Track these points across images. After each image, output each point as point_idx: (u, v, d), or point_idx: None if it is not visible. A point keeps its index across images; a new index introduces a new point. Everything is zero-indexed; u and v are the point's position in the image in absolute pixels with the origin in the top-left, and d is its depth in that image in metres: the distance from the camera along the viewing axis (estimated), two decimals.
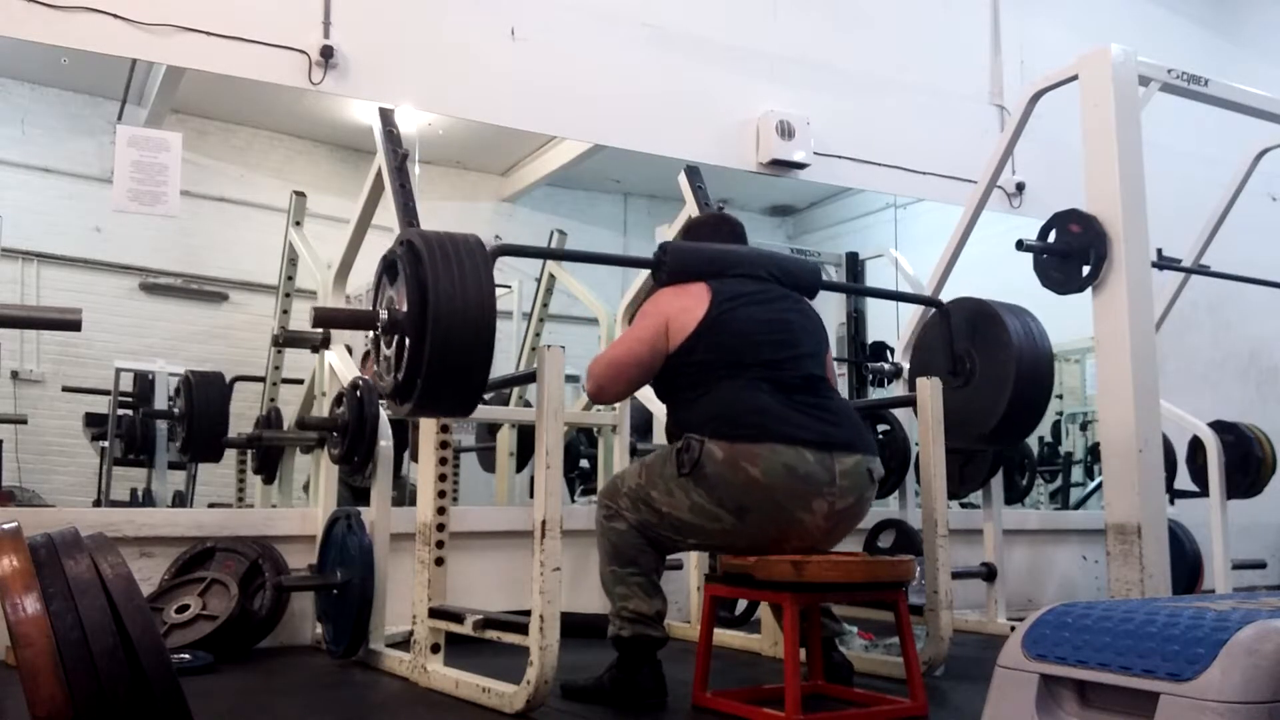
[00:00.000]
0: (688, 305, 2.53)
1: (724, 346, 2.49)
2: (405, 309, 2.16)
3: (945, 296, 4.17)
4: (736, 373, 2.47)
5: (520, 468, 4.92)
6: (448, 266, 2.14)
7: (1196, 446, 4.47)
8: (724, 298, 2.54)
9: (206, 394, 4.21)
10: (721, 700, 2.44)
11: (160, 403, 4.84)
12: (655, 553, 2.56)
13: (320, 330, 3.61)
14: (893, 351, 4.94)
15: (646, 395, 3.83)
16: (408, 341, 2.16)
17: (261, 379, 4.76)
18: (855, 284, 3.50)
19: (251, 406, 4.85)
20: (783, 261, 2.76)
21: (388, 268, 2.28)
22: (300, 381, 4.38)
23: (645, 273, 4.20)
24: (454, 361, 2.14)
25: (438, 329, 2.11)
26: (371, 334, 2.36)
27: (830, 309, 5.98)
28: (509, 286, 5.98)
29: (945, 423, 2.93)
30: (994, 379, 2.83)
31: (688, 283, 2.58)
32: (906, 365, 4.17)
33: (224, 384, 4.32)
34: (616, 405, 4.05)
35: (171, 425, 4.46)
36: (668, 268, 2.61)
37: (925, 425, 2.92)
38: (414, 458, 4.42)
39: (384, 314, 2.25)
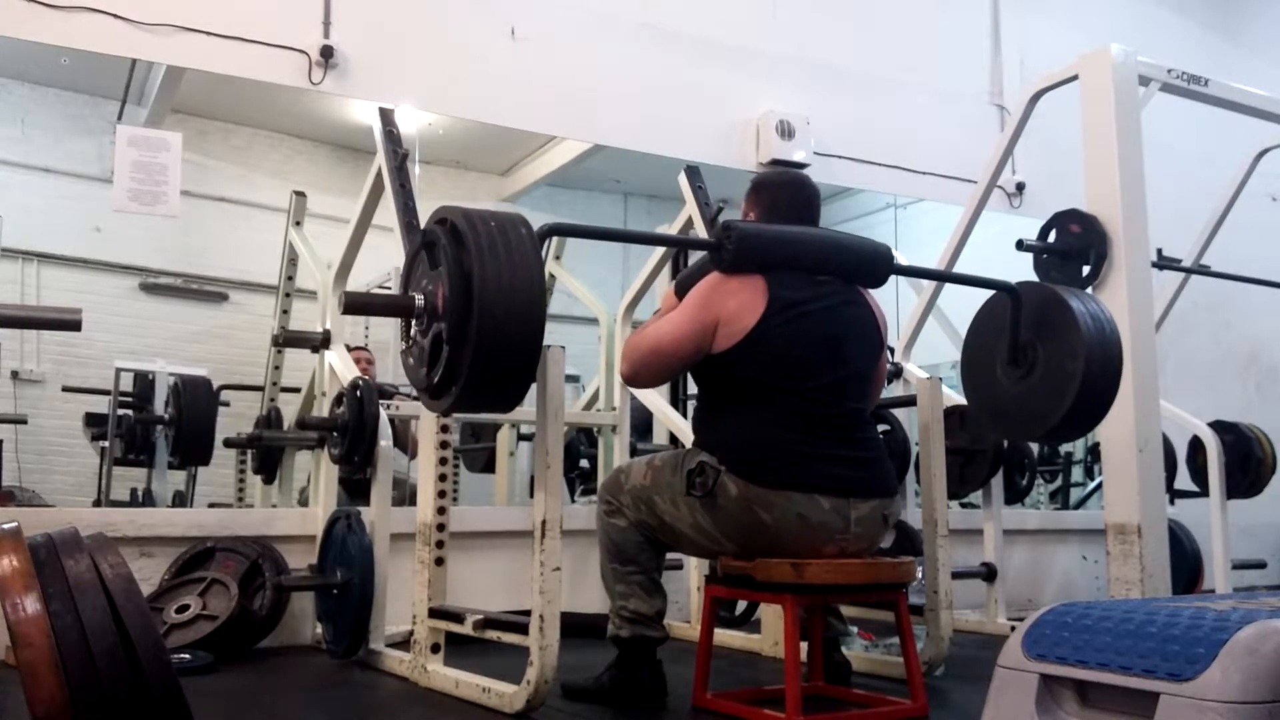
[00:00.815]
0: (742, 309, 2.39)
1: (767, 367, 2.38)
2: (446, 296, 1.96)
3: (946, 296, 4.19)
4: (773, 400, 2.38)
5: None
6: (493, 249, 1.93)
7: (1196, 446, 4.47)
8: (780, 305, 2.39)
9: (194, 399, 4.30)
10: (721, 701, 2.44)
11: (160, 402, 4.84)
12: (655, 550, 2.56)
13: (320, 330, 3.62)
14: (893, 351, 4.94)
15: (646, 394, 3.84)
16: (447, 332, 1.97)
17: (252, 388, 4.79)
18: (929, 269, 3.30)
19: (252, 406, 4.85)
20: (851, 252, 2.57)
21: (426, 249, 2.08)
22: (298, 390, 4.40)
23: (646, 272, 4.22)
24: (501, 355, 1.94)
25: (484, 319, 1.90)
26: (401, 323, 2.19)
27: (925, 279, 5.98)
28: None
29: (999, 416, 2.81)
30: (1060, 370, 2.63)
31: (747, 274, 2.42)
32: (908, 365, 4.17)
33: (210, 389, 4.41)
34: (616, 405, 4.05)
35: (164, 430, 4.51)
36: (730, 255, 2.40)
37: (925, 425, 2.92)
38: (411, 456, 4.44)
39: (420, 299, 2.07)
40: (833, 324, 2.45)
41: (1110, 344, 2.61)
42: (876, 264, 2.59)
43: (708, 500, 2.35)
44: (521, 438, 5.02)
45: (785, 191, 2.70)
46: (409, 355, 2.16)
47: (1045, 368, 2.65)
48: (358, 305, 2.34)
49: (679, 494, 2.42)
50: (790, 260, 2.46)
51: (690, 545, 2.52)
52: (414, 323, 2.11)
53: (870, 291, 2.61)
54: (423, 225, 2.14)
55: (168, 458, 4.54)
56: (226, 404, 4.75)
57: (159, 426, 4.55)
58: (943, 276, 3.26)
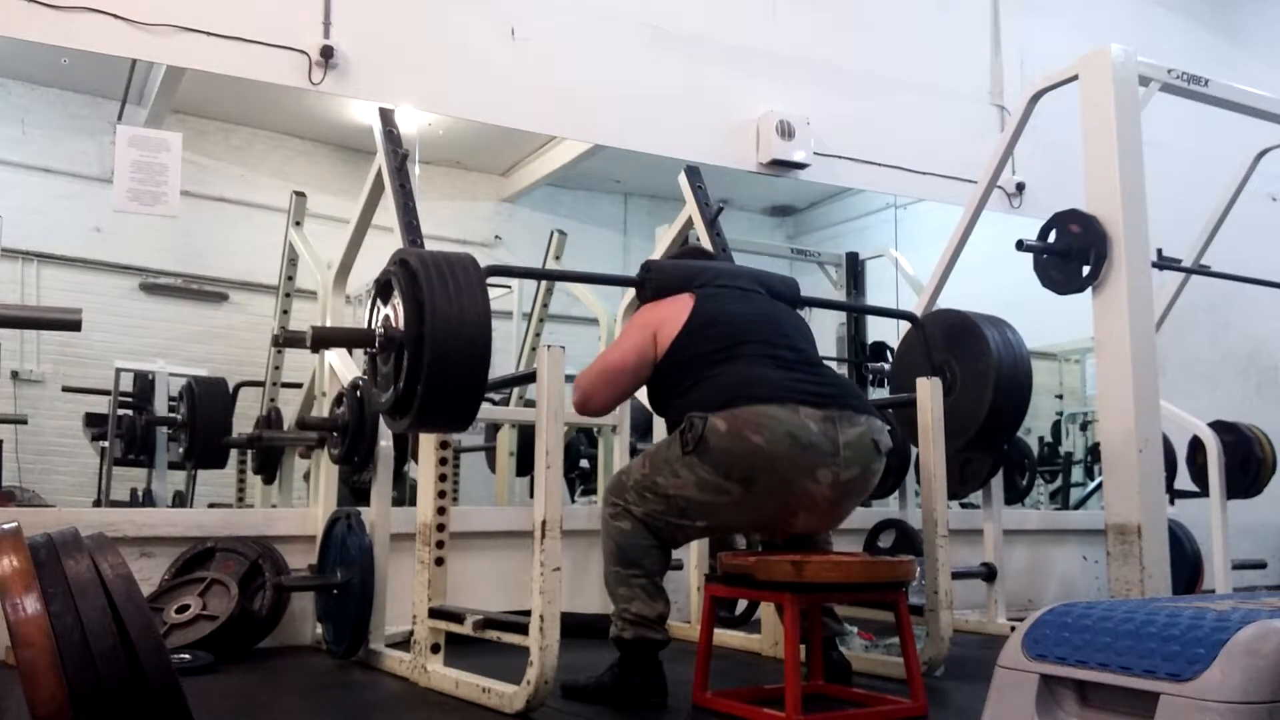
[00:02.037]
0: (674, 312, 2.57)
1: (716, 337, 2.52)
2: (402, 327, 2.19)
3: (946, 296, 4.19)
4: (733, 354, 2.49)
5: (521, 471, 4.92)
6: (443, 285, 2.17)
7: (1196, 446, 4.47)
8: (709, 300, 2.59)
9: (210, 401, 4.22)
10: (721, 700, 2.44)
11: (160, 403, 4.84)
12: (660, 553, 2.56)
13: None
14: (893, 351, 4.94)
15: (645, 393, 3.84)
16: (405, 359, 2.19)
17: (256, 384, 4.74)
18: (834, 301, 3.55)
19: (252, 407, 4.85)
20: (764, 276, 2.80)
21: (383, 287, 2.31)
22: (299, 385, 4.38)
23: None
24: (451, 378, 2.18)
25: (435, 347, 2.14)
26: (366, 352, 2.39)
27: (830, 310, 5.99)
28: (509, 286, 5.98)
29: None
30: (974, 387, 2.91)
31: (672, 295, 2.63)
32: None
33: (227, 390, 4.32)
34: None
35: (175, 431, 4.44)
36: (653, 284, 2.66)
37: (925, 425, 2.92)
38: (413, 457, 4.43)
39: (380, 332, 2.29)
40: (765, 309, 2.65)
41: (1019, 361, 2.87)
42: (788, 285, 2.84)
43: (702, 448, 2.38)
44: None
45: (690, 251, 3.02)
46: (372, 382, 2.36)
47: (962, 388, 2.91)
48: (324, 339, 2.57)
49: (677, 461, 2.44)
50: (707, 280, 2.67)
51: (700, 511, 2.48)
52: (376, 353, 2.33)
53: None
54: (387, 267, 2.35)
55: (180, 460, 4.45)
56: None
57: (167, 429, 4.47)
58: (843, 306, 3.44)
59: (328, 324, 3.61)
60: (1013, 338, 2.90)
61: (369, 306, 2.38)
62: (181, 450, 4.41)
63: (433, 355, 2.14)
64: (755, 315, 2.60)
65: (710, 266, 2.76)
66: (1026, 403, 2.89)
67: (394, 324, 2.24)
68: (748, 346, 2.51)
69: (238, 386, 4.48)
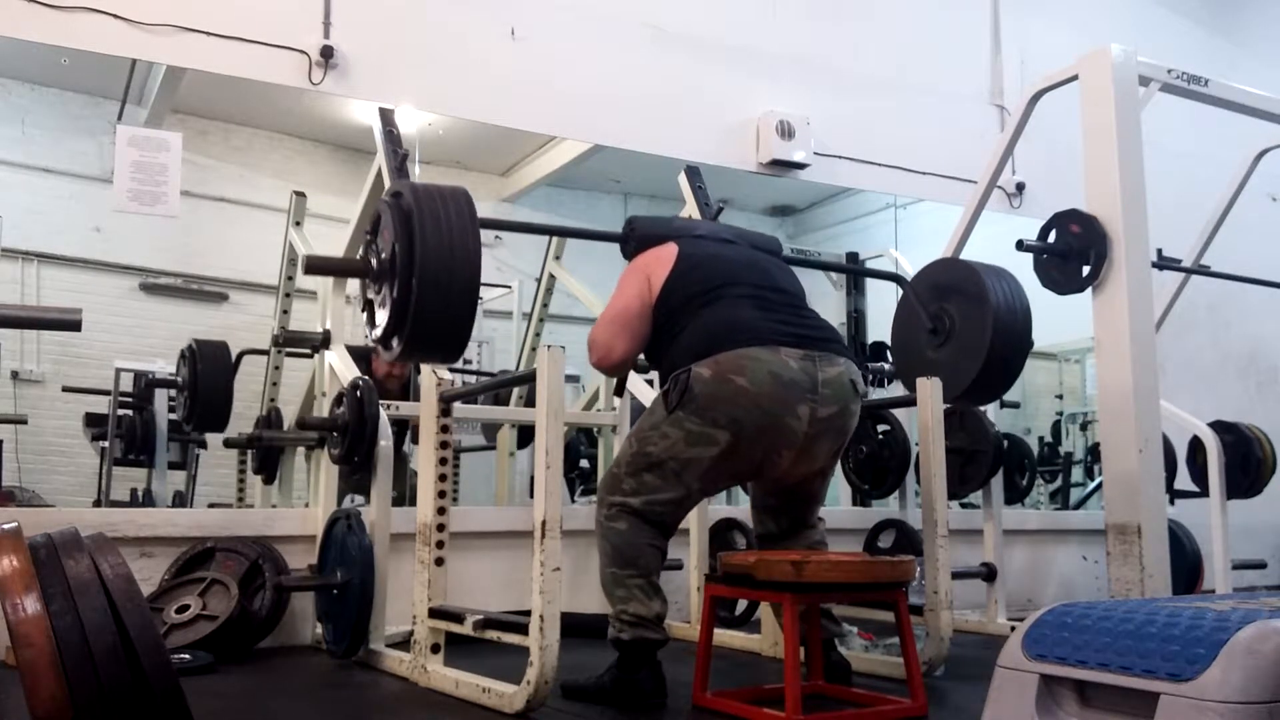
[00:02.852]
0: (662, 258, 2.64)
1: (702, 278, 2.58)
2: (394, 258, 2.21)
3: None
4: (717, 296, 2.55)
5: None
6: (435, 217, 2.19)
7: (1196, 446, 4.47)
8: (692, 246, 2.67)
9: (211, 363, 4.18)
10: (721, 700, 2.44)
11: (160, 403, 4.84)
12: (657, 553, 2.57)
13: (320, 330, 3.62)
14: (893, 352, 4.94)
15: (645, 393, 3.84)
16: (395, 289, 2.21)
17: (260, 352, 4.72)
18: (819, 261, 3.53)
19: (252, 407, 4.85)
20: (747, 232, 2.90)
21: (378, 218, 2.33)
22: (306, 352, 4.25)
23: None
24: (440, 309, 2.19)
25: (425, 277, 2.16)
26: (360, 283, 2.41)
27: (830, 309, 5.98)
28: (509, 286, 5.99)
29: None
30: (972, 335, 2.87)
31: (656, 245, 2.69)
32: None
33: (229, 354, 4.27)
34: (616, 404, 4.04)
35: (176, 395, 4.38)
36: (636, 238, 2.74)
37: (925, 425, 2.92)
38: (413, 439, 4.42)
39: (373, 262, 2.30)
40: (746, 255, 2.72)
41: (1017, 310, 2.82)
42: (769, 241, 2.90)
43: (687, 400, 2.44)
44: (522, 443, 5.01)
45: (671, 217, 3.08)
46: (365, 312, 2.38)
47: (959, 338, 2.89)
48: (318, 267, 2.56)
49: (663, 423, 2.49)
50: (688, 231, 2.78)
51: (693, 468, 2.49)
52: (369, 283, 2.34)
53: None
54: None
55: (181, 421, 4.37)
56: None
57: (167, 394, 4.42)
58: (828, 266, 3.39)
59: (327, 325, 3.60)
60: (1012, 286, 2.86)
61: (365, 235, 2.39)
62: (183, 415, 4.34)
63: (422, 285, 2.15)
64: (739, 259, 2.68)
65: (691, 221, 2.90)
66: (1025, 352, 2.85)
67: (387, 254, 2.25)
68: (732, 288, 2.57)
69: (240, 354, 4.43)
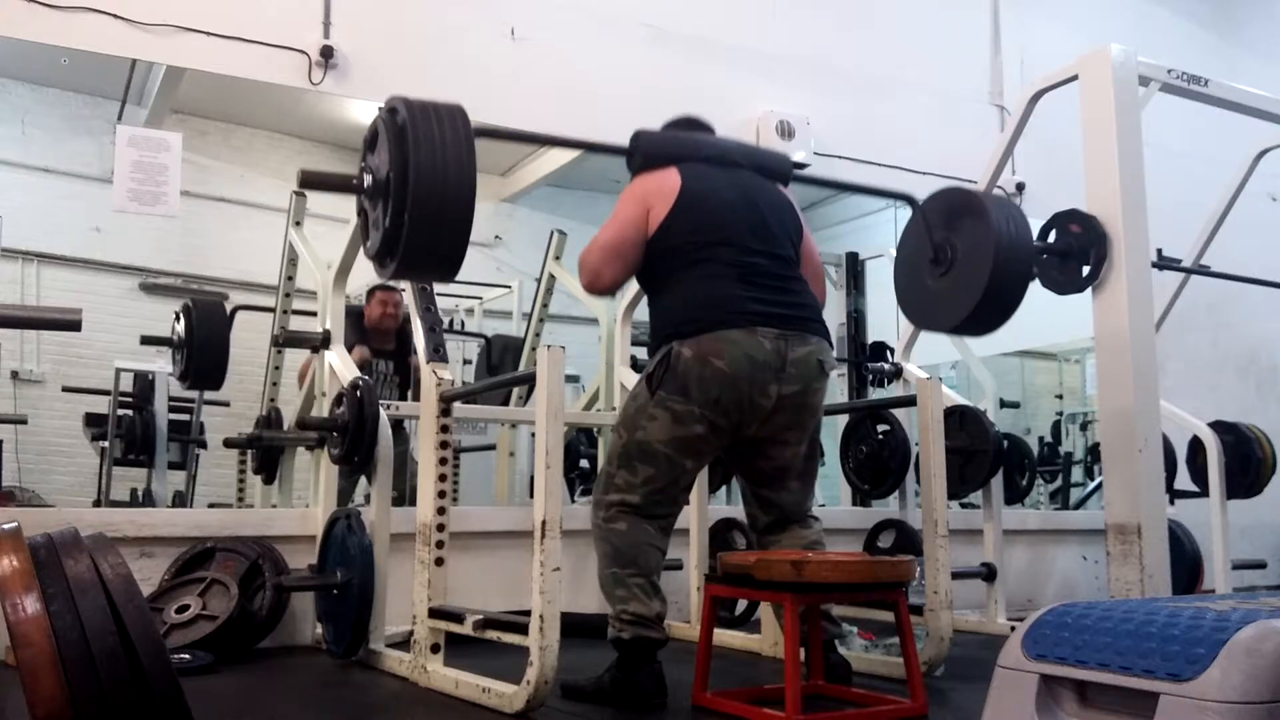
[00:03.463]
0: (663, 190, 2.64)
1: (696, 229, 2.61)
2: (389, 175, 2.19)
3: None
4: (706, 257, 2.60)
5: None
6: (430, 135, 2.18)
7: (1196, 446, 4.47)
8: (694, 181, 2.65)
9: (207, 320, 4.14)
10: (721, 700, 2.44)
11: (160, 403, 4.84)
12: (657, 551, 2.58)
13: (320, 330, 3.62)
14: (893, 351, 4.94)
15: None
16: (389, 206, 2.19)
17: (268, 309, 4.70)
18: (826, 179, 3.46)
19: (252, 407, 4.85)
20: (754, 150, 2.88)
21: (373, 133, 2.31)
22: (312, 299, 4.26)
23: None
24: (434, 226, 2.17)
25: (419, 191, 2.14)
26: (356, 200, 2.39)
27: (830, 309, 5.98)
28: (509, 286, 5.99)
29: (921, 311, 3.04)
30: (973, 264, 2.84)
31: (661, 168, 2.68)
32: (908, 365, 4.18)
33: (224, 310, 4.24)
34: (616, 405, 4.04)
35: (173, 353, 4.31)
36: (641, 153, 2.71)
37: (925, 425, 2.92)
38: (414, 394, 4.43)
39: (368, 178, 2.29)
40: (748, 192, 2.71)
41: (1019, 242, 2.80)
42: (779, 161, 2.90)
43: (669, 379, 2.53)
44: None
45: (682, 120, 2.95)
46: (361, 230, 2.38)
47: (961, 268, 2.86)
48: (313, 182, 2.51)
49: (648, 406, 2.57)
50: (694, 152, 2.74)
51: (684, 448, 2.57)
52: (365, 200, 2.33)
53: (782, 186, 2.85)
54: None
55: (178, 377, 4.28)
56: (226, 297, 4.64)
57: (169, 349, 4.34)
58: (844, 186, 3.33)
59: (327, 325, 3.60)
60: (1016, 216, 2.83)
61: (362, 150, 2.37)
62: (179, 371, 4.32)
63: (417, 199, 2.14)
64: (738, 204, 2.66)
65: (700, 138, 2.81)
66: (1025, 284, 2.84)
67: (381, 171, 2.23)
68: (722, 249, 2.60)
69: (234, 310, 4.41)
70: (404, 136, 2.18)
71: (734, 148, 2.84)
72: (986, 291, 2.80)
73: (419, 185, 2.14)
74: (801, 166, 4.91)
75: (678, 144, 2.77)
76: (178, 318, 4.23)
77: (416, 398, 3.48)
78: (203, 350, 4.08)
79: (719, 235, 2.61)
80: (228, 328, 4.21)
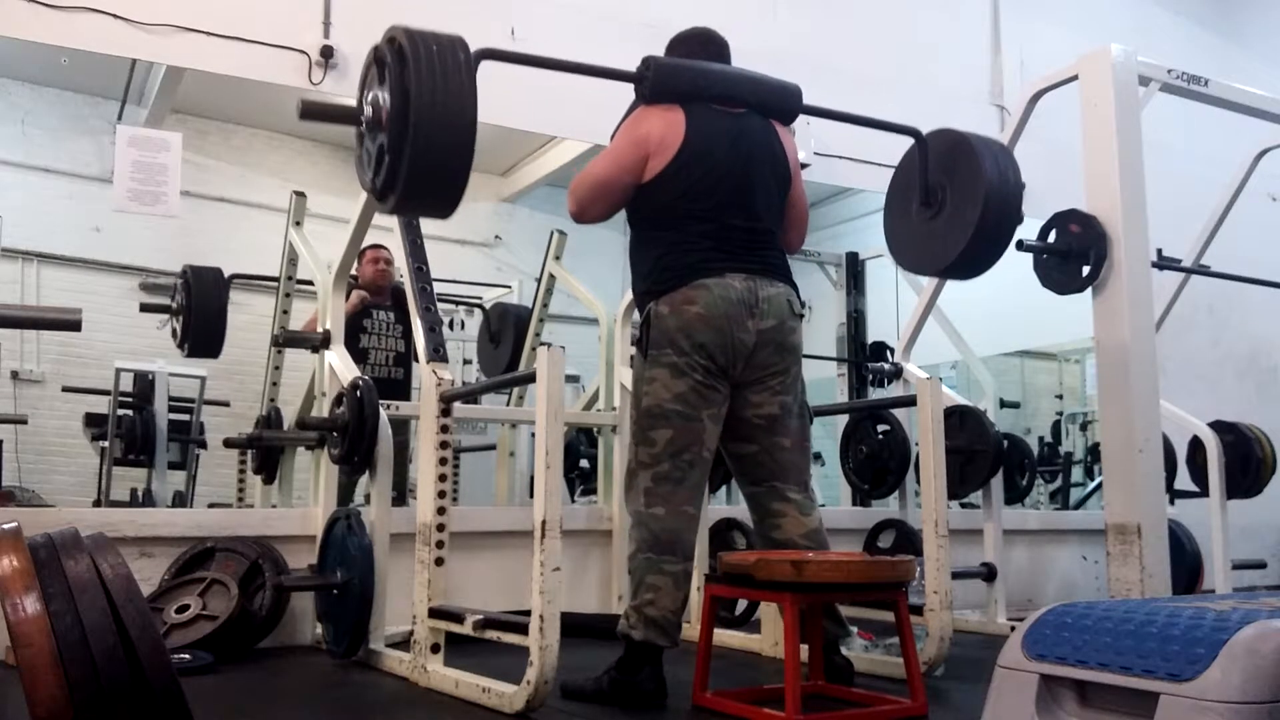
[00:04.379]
0: (665, 140, 2.66)
1: (686, 193, 2.66)
2: (389, 108, 2.16)
3: (946, 296, 4.19)
4: (689, 224, 2.67)
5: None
6: (431, 67, 2.16)
7: (1196, 446, 4.47)
8: (697, 136, 2.67)
9: (204, 287, 4.22)
10: (721, 700, 2.44)
11: (160, 403, 4.84)
12: (693, 529, 2.63)
13: (320, 330, 3.62)
14: (893, 351, 4.94)
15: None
16: (388, 140, 2.17)
17: (266, 278, 4.72)
18: (831, 110, 3.40)
19: (252, 407, 4.86)
20: (762, 85, 2.85)
21: (374, 64, 2.27)
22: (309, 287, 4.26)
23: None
24: (435, 157, 2.17)
25: (419, 125, 2.12)
26: (355, 132, 2.37)
27: (830, 310, 5.99)
28: (509, 286, 5.99)
29: (907, 251, 3.06)
30: (963, 211, 2.84)
31: (667, 105, 2.68)
32: (908, 365, 4.17)
33: (222, 278, 4.32)
34: (616, 405, 4.04)
35: (170, 318, 4.43)
36: (650, 83, 2.68)
37: (925, 425, 2.92)
38: (416, 358, 4.42)
39: (369, 110, 2.26)
40: (745, 149, 2.73)
41: (1010, 189, 2.79)
42: (786, 98, 2.89)
43: (656, 337, 2.62)
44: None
45: (697, 39, 2.93)
46: (360, 162, 2.36)
47: (951, 210, 2.87)
48: (314, 112, 2.49)
49: (645, 369, 2.65)
50: (704, 89, 2.72)
51: (692, 400, 2.61)
52: (366, 132, 2.30)
53: (785, 128, 2.91)
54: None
55: (178, 344, 4.41)
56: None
57: (168, 316, 4.46)
58: (848, 118, 3.29)
59: (327, 325, 3.60)
60: (1006, 162, 2.83)
61: (360, 82, 2.35)
62: (177, 340, 4.36)
63: (419, 130, 2.12)
64: (731, 172, 2.69)
65: (710, 73, 2.77)
66: (1014, 229, 2.85)
67: (382, 103, 2.20)
68: (706, 222, 2.66)
69: (230, 278, 4.44)
70: (404, 67, 2.15)
71: (743, 84, 2.80)
72: (975, 234, 2.79)
73: (420, 116, 2.12)
74: (803, 167, 4.93)
75: (689, 78, 2.73)
76: (176, 289, 4.25)
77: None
78: (200, 316, 4.15)
79: (706, 204, 2.66)
80: (225, 296, 4.28)
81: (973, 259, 2.87)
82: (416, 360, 3.45)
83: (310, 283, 4.08)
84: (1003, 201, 2.79)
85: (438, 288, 3.24)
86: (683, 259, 2.65)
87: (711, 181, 2.67)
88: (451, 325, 5.66)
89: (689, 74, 2.75)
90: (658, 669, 2.50)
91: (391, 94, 2.16)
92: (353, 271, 4.13)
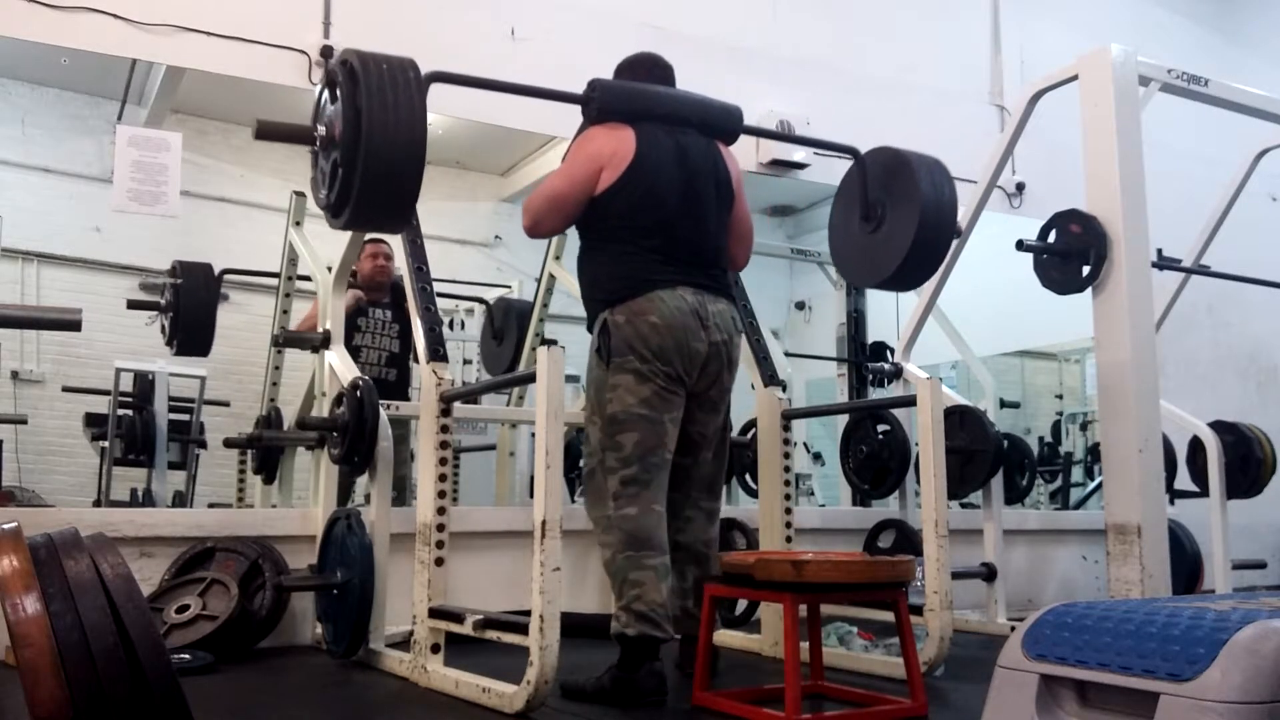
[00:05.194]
0: (617, 155, 2.75)
1: (635, 207, 2.75)
2: (341, 127, 2.23)
3: (946, 296, 4.19)
4: (638, 237, 2.76)
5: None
6: (382, 88, 2.22)
7: (1196, 446, 4.47)
8: (647, 150, 2.76)
9: (193, 285, 4.18)
10: (721, 700, 2.44)
11: (160, 402, 4.84)
12: (663, 527, 2.67)
13: (320, 330, 3.62)
14: (893, 351, 4.94)
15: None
16: (341, 157, 2.25)
17: (257, 272, 4.74)
18: (771, 130, 3.51)
19: (252, 407, 4.85)
20: (705, 107, 2.96)
21: (327, 85, 2.35)
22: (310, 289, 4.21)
23: None
24: (385, 179, 2.23)
25: (370, 144, 2.19)
26: (310, 151, 2.43)
27: (830, 310, 5.99)
28: (509, 286, 5.99)
29: (849, 263, 3.19)
30: (901, 223, 2.99)
31: (616, 124, 2.79)
32: (908, 365, 4.17)
33: (212, 274, 4.28)
34: None
35: (159, 315, 4.40)
36: (597, 104, 2.80)
37: (925, 425, 2.92)
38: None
39: (321, 130, 2.33)
40: (691, 166, 2.83)
41: (944, 204, 2.94)
42: (729, 119, 3.00)
43: (616, 345, 2.69)
44: None
45: (643, 64, 3.05)
46: (314, 180, 2.44)
47: (890, 225, 3.00)
48: (269, 133, 2.55)
49: (607, 376, 2.71)
50: (649, 109, 2.84)
51: (654, 403, 2.68)
52: (320, 152, 2.38)
53: (727, 148, 2.99)
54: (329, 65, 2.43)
55: (167, 339, 4.37)
56: (226, 297, 4.65)
57: (156, 316, 4.41)
58: (790, 139, 3.39)
59: (327, 325, 3.60)
60: (940, 180, 2.98)
61: (315, 103, 2.41)
62: (165, 337, 4.33)
63: (369, 151, 2.19)
64: (676, 190, 2.79)
65: (655, 94, 2.89)
66: (949, 240, 3.01)
67: (335, 121, 2.27)
68: (654, 236, 2.75)
69: (221, 273, 4.40)
70: (355, 86, 2.22)
71: (687, 105, 2.93)
72: (913, 248, 2.91)
73: (371, 134, 2.19)
74: (802, 166, 4.94)
75: (635, 99, 2.86)
76: (165, 285, 4.21)
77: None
78: (189, 314, 4.10)
79: (654, 218, 2.76)
80: (215, 292, 4.23)
81: (910, 271, 3.01)
82: (416, 361, 3.44)
83: (309, 278, 4.07)
84: (938, 217, 2.93)
85: (437, 287, 3.24)
86: (634, 270, 2.75)
87: (660, 196, 2.77)
88: (451, 325, 5.65)
89: (635, 94, 2.88)
90: (658, 666, 2.51)
91: (343, 113, 2.23)
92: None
